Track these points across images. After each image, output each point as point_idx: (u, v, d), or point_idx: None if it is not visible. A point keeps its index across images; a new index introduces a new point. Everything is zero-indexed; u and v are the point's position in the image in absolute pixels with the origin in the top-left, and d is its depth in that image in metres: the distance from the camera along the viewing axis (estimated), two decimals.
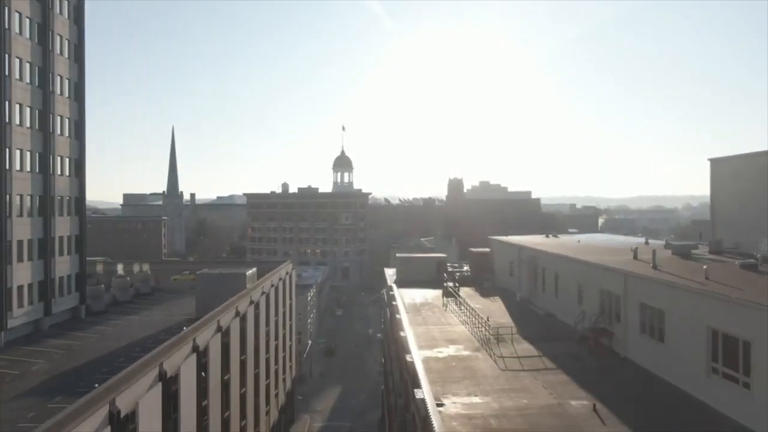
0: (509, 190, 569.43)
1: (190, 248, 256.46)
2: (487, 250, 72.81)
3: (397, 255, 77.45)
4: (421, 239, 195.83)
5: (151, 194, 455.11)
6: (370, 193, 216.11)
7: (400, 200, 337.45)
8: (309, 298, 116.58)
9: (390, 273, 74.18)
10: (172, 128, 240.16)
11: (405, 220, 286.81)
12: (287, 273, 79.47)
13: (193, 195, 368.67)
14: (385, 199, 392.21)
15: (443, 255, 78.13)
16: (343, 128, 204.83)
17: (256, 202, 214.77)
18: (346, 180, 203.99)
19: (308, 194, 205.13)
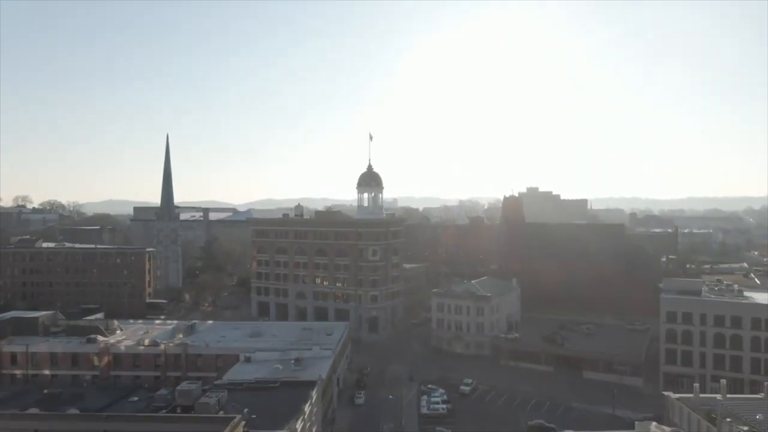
0: (562, 197, 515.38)
1: (193, 278, 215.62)
2: None
3: None
4: (472, 282, 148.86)
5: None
6: (405, 221, 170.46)
7: (441, 213, 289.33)
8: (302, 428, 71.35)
9: None
10: (167, 137, 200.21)
11: (448, 243, 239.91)
12: None
13: (206, 210, 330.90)
14: (425, 217, 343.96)
15: None
16: (371, 137, 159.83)
17: (262, 229, 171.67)
18: (373, 202, 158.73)
19: (327, 220, 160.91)
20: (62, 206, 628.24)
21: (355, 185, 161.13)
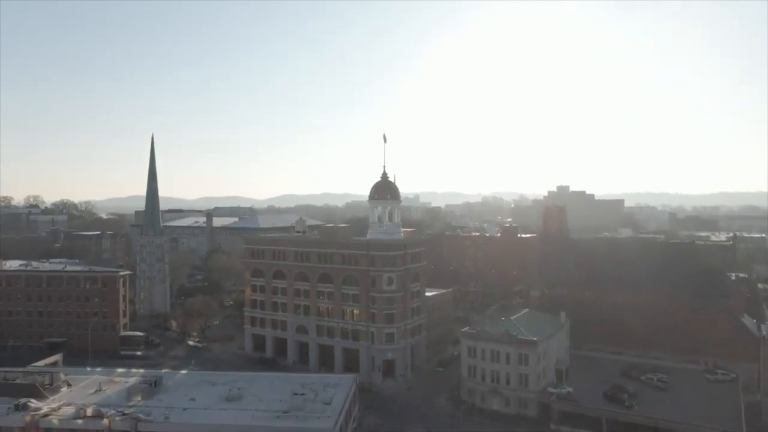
0: (597, 197, 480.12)
1: (188, 297, 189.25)
2: None
3: None
4: (511, 319, 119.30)
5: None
6: (423, 237, 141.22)
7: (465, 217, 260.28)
8: None
9: None
10: (152, 137, 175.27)
11: (476, 257, 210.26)
12: None
13: (209, 216, 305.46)
14: (447, 223, 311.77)
15: None
16: (385, 139, 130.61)
17: (257, 248, 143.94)
18: (389, 218, 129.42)
19: (332, 241, 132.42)
20: (75, 206, 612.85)
21: (367, 197, 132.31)
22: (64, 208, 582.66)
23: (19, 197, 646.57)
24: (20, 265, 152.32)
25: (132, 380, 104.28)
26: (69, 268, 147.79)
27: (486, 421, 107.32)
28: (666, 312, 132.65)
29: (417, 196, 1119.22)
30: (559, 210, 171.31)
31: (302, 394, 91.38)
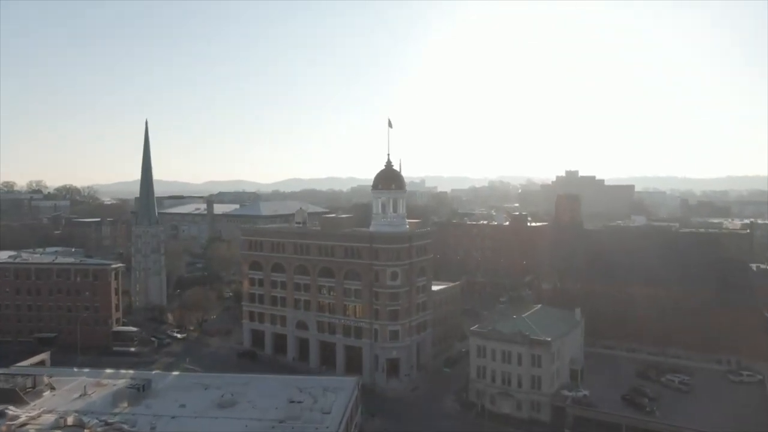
0: (606, 182, 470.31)
1: (186, 288, 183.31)
2: None
3: None
4: (523, 317, 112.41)
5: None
6: (430, 227, 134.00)
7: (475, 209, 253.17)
8: None
9: None
10: (146, 123, 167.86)
11: (484, 247, 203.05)
12: None
13: (210, 203, 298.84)
14: (453, 210, 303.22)
15: None
16: (390, 124, 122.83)
17: (255, 240, 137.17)
18: (394, 209, 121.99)
19: (334, 233, 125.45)
20: (78, 191, 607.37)
21: (371, 187, 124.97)
22: (67, 193, 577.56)
23: (22, 182, 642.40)
24: (9, 257, 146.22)
25: (120, 382, 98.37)
26: (59, 260, 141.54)
27: (496, 425, 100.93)
28: (685, 307, 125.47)
29: (423, 181, 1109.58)
30: (573, 199, 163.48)
31: (299, 402, 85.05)
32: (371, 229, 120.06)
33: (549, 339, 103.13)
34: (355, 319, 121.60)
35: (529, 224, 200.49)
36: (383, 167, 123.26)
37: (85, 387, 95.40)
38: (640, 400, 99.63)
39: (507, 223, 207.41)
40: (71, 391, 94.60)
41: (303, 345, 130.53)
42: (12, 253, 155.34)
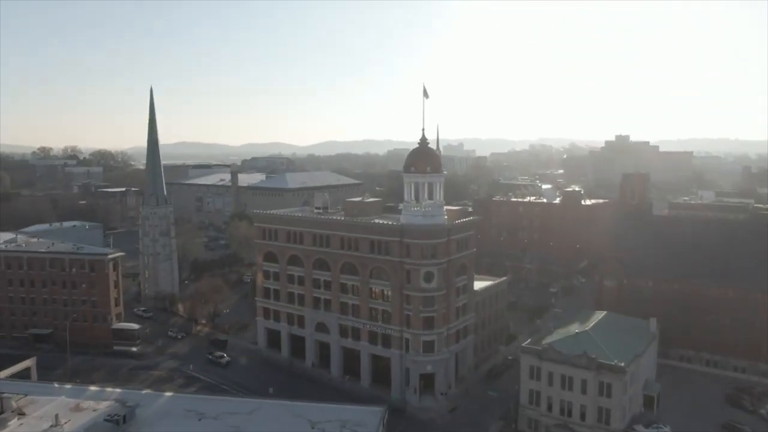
0: (661, 149, 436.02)
1: (203, 272, 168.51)
2: None
3: None
4: (587, 330, 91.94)
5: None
6: (471, 217, 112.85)
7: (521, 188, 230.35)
8: None
9: None
10: (150, 90, 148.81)
11: (531, 228, 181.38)
12: None
13: (234, 173, 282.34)
14: (494, 180, 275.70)
15: None
16: (426, 93, 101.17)
17: (270, 228, 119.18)
18: (429, 195, 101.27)
19: (358, 222, 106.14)
20: (111, 156, 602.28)
21: (402, 170, 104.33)
22: (101, 158, 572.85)
23: (59, 147, 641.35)
24: (5, 242, 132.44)
25: (103, 406, 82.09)
26: (53, 247, 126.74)
27: None
28: None
29: (461, 144, 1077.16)
30: (641, 179, 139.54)
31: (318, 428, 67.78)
32: (402, 220, 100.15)
33: (622, 364, 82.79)
34: (382, 326, 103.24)
35: (583, 202, 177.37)
36: (417, 146, 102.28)
37: (57, 416, 79.93)
38: None
39: (558, 200, 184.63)
40: (42, 419, 78.79)
41: (323, 349, 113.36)
42: (11, 235, 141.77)
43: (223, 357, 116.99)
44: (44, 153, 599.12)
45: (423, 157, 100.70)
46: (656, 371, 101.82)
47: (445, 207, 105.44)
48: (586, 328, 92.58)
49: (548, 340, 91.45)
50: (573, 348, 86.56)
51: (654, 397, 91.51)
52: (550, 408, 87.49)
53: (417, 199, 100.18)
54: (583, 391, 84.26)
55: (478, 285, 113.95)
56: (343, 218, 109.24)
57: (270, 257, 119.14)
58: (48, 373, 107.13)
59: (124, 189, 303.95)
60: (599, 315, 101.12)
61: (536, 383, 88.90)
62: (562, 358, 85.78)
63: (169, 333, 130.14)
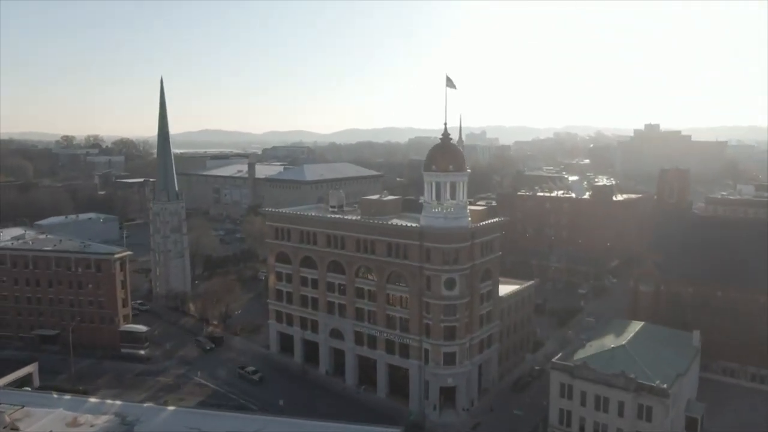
0: (693, 138, 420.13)
1: (216, 268, 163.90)
2: None
3: None
4: (624, 345, 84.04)
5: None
6: (497, 219, 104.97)
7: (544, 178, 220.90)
8: None
9: None
10: (161, 80, 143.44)
11: (559, 224, 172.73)
12: None
13: (252, 165, 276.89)
14: (518, 171, 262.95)
15: None
16: (451, 84, 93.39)
17: (282, 227, 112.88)
18: (451, 195, 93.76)
19: (375, 223, 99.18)
20: (133, 144, 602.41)
21: (422, 168, 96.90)
22: (123, 147, 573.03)
23: (81, 136, 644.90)
24: (12, 239, 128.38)
25: (101, 421, 77.76)
26: (59, 246, 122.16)
27: None
28: None
29: (483, 131, 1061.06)
30: (681, 175, 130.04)
31: None
32: (422, 221, 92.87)
33: (665, 386, 74.86)
34: (400, 334, 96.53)
35: (615, 198, 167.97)
36: (439, 143, 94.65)
37: (62, 422, 75.71)
38: None
39: (587, 194, 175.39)
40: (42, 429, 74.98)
41: (338, 357, 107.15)
42: (20, 231, 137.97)
43: (256, 373, 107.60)
44: (67, 142, 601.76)
45: (445, 155, 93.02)
46: (698, 388, 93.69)
47: (469, 207, 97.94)
48: (623, 342, 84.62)
49: (581, 355, 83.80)
50: (609, 365, 78.85)
51: (697, 420, 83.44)
52: (582, 430, 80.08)
53: (438, 199, 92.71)
54: (620, 414, 76.60)
55: (504, 289, 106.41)
56: (358, 218, 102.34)
57: (282, 258, 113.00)
58: (52, 377, 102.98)
59: (142, 180, 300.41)
60: (636, 326, 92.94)
61: (567, 402, 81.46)
62: (597, 376, 78.10)
63: (198, 340, 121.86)
